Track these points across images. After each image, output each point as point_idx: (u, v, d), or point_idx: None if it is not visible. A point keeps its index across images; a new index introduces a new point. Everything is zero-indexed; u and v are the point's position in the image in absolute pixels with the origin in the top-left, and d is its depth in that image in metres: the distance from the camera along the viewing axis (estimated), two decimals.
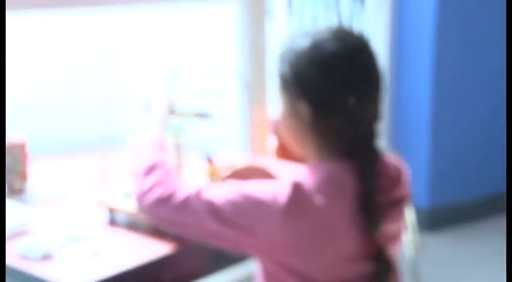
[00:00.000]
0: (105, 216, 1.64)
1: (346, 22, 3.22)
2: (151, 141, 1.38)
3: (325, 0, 3.20)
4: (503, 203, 3.56)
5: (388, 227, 1.20)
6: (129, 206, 1.60)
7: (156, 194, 1.23)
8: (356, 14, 3.26)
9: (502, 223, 3.46)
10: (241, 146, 2.60)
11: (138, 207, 1.28)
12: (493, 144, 3.48)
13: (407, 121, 3.35)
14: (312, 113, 1.17)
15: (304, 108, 1.17)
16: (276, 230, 1.13)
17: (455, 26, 3.22)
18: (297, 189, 1.14)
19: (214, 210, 1.17)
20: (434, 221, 3.36)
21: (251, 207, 1.15)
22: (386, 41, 3.27)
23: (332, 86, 1.15)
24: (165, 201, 1.22)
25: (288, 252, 1.14)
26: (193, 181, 1.62)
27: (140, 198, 1.27)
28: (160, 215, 1.24)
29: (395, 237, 1.25)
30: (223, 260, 1.57)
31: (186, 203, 1.20)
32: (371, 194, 1.16)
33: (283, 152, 2.68)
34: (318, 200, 1.13)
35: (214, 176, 1.62)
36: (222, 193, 1.19)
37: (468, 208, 3.47)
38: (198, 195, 1.20)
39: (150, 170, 1.29)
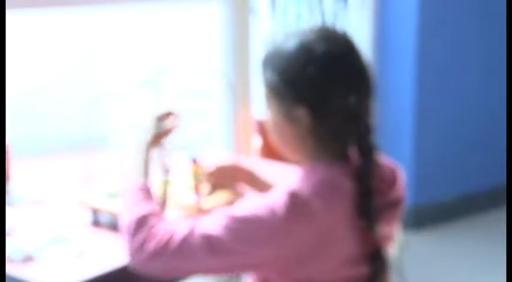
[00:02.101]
0: (88, 216, 1.63)
1: (330, 21, 3.23)
2: (134, 189, 1.25)
3: (308, 0, 3.21)
4: (487, 201, 3.59)
5: (383, 229, 1.19)
6: (112, 207, 1.59)
7: (149, 248, 1.15)
8: (339, 13, 3.27)
9: (485, 221, 3.49)
10: (225, 146, 2.59)
11: (133, 265, 1.18)
12: (477, 143, 3.51)
13: (391, 119, 3.36)
14: (311, 116, 1.14)
15: (301, 113, 1.14)
16: (280, 242, 1.11)
17: (438, 24, 3.24)
18: (294, 198, 1.11)
19: (213, 246, 1.12)
20: (418, 219, 3.38)
21: (250, 228, 1.11)
22: (370, 39, 3.28)
23: (329, 85, 1.14)
24: (160, 252, 1.14)
25: (291, 260, 1.13)
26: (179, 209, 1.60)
27: (133, 256, 1.18)
28: (158, 268, 1.16)
29: (389, 238, 1.25)
30: None
31: (182, 247, 1.13)
32: (368, 194, 1.15)
33: (268, 152, 2.68)
34: (317, 204, 1.12)
35: (198, 176, 1.61)
36: (216, 224, 1.13)
37: (452, 206, 3.49)
38: (192, 235, 1.13)
39: (139, 225, 1.18)
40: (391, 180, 1.24)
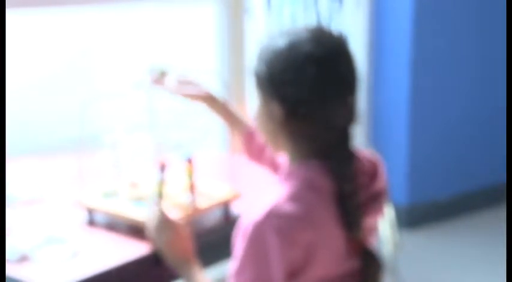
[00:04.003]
0: (83, 216, 1.63)
1: (325, 21, 3.23)
2: None
3: (303, 0, 3.21)
4: (481, 200, 3.60)
5: (368, 221, 1.21)
6: (107, 206, 1.59)
7: None
8: (334, 14, 3.28)
9: (480, 220, 3.50)
10: (220, 145, 2.60)
11: None
12: (471, 142, 3.52)
13: (386, 119, 3.37)
14: (283, 114, 1.16)
15: (276, 109, 1.16)
16: (280, 258, 1.12)
17: (432, 24, 3.25)
18: (276, 215, 1.12)
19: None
20: (412, 218, 3.38)
21: (256, 268, 1.12)
22: (365, 40, 3.29)
23: (304, 88, 1.14)
24: None
25: (289, 269, 1.14)
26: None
27: None
28: None
29: (373, 230, 1.26)
30: (202, 260, 1.57)
31: None
32: (349, 195, 1.16)
33: None
34: (299, 211, 1.12)
35: (193, 175, 1.61)
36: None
37: (447, 205, 3.50)
38: None
39: None
40: (372, 173, 1.24)
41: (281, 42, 1.16)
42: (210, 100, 1.61)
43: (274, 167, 1.55)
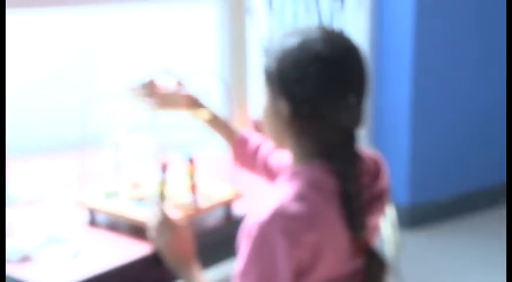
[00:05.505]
0: (85, 216, 1.63)
1: (326, 21, 3.23)
2: None
3: (305, 0, 3.21)
4: (482, 200, 3.60)
5: (371, 221, 1.21)
6: (109, 206, 1.60)
7: None
8: (336, 13, 3.28)
9: (481, 220, 3.50)
10: (222, 146, 2.59)
11: None
12: (472, 143, 3.52)
13: (388, 119, 3.37)
14: (290, 112, 1.16)
15: (283, 106, 1.17)
16: (286, 259, 1.12)
17: (434, 24, 3.25)
18: (281, 215, 1.12)
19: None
20: (414, 218, 3.39)
21: (261, 269, 1.12)
22: (366, 40, 3.29)
23: (310, 87, 1.14)
24: None
25: (295, 270, 1.14)
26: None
27: None
28: None
29: (376, 230, 1.26)
30: (204, 260, 1.57)
31: None
32: (354, 196, 1.16)
33: None
34: (305, 211, 1.12)
35: (194, 176, 1.62)
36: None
37: (447, 205, 3.50)
38: None
39: None
40: (374, 173, 1.24)
41: (293, 40, 1.17)
42: (196, 107, 1.61)
43: (267, 172, 1.54)
